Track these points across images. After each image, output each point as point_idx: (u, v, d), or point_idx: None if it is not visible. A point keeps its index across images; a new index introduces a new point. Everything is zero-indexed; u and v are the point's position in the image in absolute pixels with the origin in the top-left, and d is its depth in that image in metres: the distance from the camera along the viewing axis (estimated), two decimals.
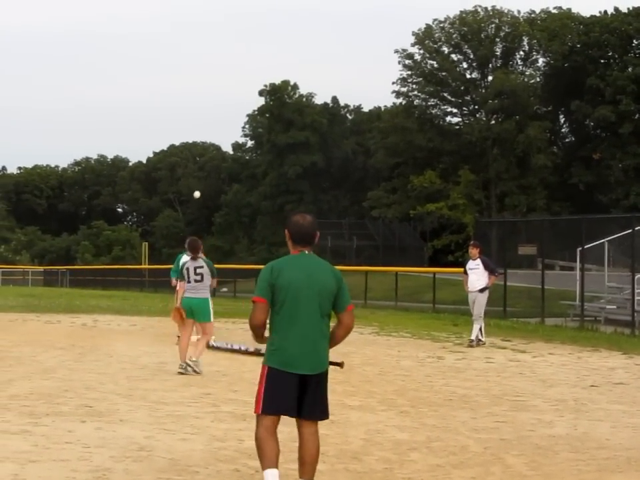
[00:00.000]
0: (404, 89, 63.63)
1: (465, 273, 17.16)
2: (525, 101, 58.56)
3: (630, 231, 21.42)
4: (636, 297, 20.69)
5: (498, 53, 62.55)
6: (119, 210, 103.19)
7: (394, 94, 64.20)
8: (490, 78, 61.54)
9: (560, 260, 33.92)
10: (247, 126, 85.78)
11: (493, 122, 60.56)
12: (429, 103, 64.11)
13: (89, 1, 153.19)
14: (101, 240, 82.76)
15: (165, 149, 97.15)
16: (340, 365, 5.95)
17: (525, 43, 62.33)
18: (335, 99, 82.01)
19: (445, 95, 63.39)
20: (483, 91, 61.68)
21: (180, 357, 12.14)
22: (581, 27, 58.93)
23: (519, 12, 62.74)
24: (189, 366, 11.91)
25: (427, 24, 62.78)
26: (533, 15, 62.90)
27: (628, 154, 54.35)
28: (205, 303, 12.36)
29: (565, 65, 58.07)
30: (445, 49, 63.04)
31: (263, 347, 5.82)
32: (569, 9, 61.91)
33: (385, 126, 64.81)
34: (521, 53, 63.19)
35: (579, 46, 57.82)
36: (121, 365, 12.88)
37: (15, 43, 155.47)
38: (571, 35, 58.83)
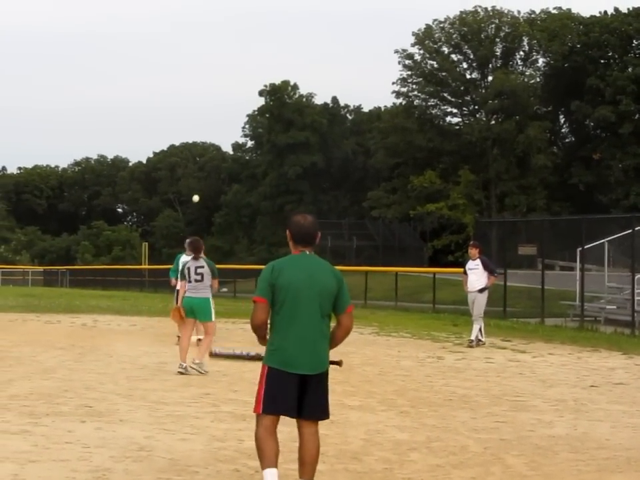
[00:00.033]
0: (404, 89, 63.68)
1: (465, 273, 17.15)
2: (524, 101, 58.56)
3: (630, 231, 21.42)
4: (636, 297, 20.68)
5: (498, 53, 62.54)
6: (119, 210, 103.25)
7: (394, 94, 64.28)
8: (490, 78, 61.54)
9: (560, 260, 33.92)
10: (246, 126, 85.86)
11: (493, 122, 60.56)
12: (429, 103, 64.10)
13: (89, 1, 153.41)
14: (100, 240, 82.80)
15: (165, 149, 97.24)
16: (338, 363, 5.96)
17: (524, 43, 62.33)
18: (334, 99, 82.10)
19: (445, 95, 63.38)
20: (483, 91, 61.68)
21: (180, 357, 12.14)
22: (581, 27, 58.93)
23: (518, 12, 62.86)
24: (194, 369, 11.91)
25: (426, 24, 62.86)
26: (532, 15, 62.91)
27: (628, 154, 54.35)
28: (206, 303, 12.37)
29: (565, 65, 58.07)
30: (445, 49, 63.04)
31: (264, 350, 5.82)
32: (569, 9, 61.99)
33: (385, 126, 64.81)
34: (521, 53, 63.20)
35: (578, 46, 57.82)
36: (120, 365, 12.88)
37: (15, 43, 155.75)
38: (570, 35, 58.83)
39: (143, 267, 60.35)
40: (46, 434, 7.68)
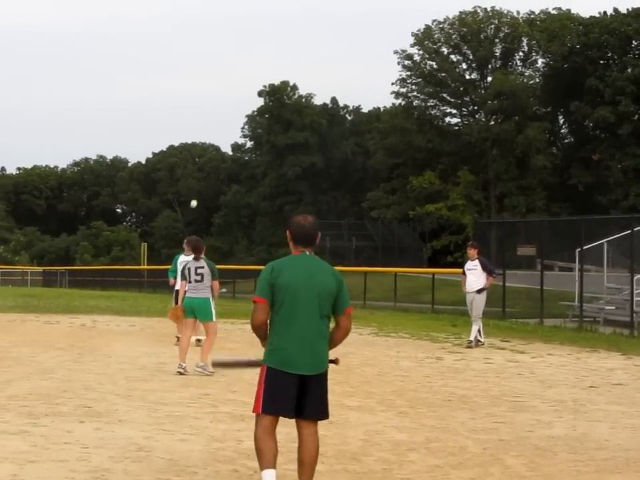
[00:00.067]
0: (403, 90, 63.66)
1: (464, 273, 17.16)
2: (524, 102, 58.55)
3: (629, 231, 21.42)
4: (635, 297, 20.69)
5: (497, 54, 62.53)
6: (118, 210, 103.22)
7: (393, 94, 64.27)
8: (489, 79, 61.54)
9: (559, 261, 33.90)
10: (246, 126, 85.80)
11: (492, 123, 60.54)
12: (429, 104, 64.07)
13: (89, 1, 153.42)
14: (100, 240, 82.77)
15: (164, 149, 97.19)
16: (335, 362, 5.95)
17: (524, 44, 62.32)
18: (334, 100, 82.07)
19: (445, 95, 63.37)
20: (483, 91, 61.67)
21: (179, 358, 12.14)
22: (581, 27, 58.92)
23: (518, 13, 62.84)
24: (198, 372, 11.89)
25: (426, 25, 62.84)
26: (532, 16, 62.90)
27: (627, 155, 54.34)
28: (206, 303, 12.38)
29: (565, 66, 58.06)
30: (445, 50, 63.02)
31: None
32: (569, 10, 61.97)
33: (385, 126, 64.79)
34: (521, 53, 63.19)
35: (578, 47, 57.80)
36: (119, 366, 12.87)
37: (15, 43, 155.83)
38: (570, 35, 58.82)
39: (142, 267, 60.30)
40: (45, 434, 7.68)
